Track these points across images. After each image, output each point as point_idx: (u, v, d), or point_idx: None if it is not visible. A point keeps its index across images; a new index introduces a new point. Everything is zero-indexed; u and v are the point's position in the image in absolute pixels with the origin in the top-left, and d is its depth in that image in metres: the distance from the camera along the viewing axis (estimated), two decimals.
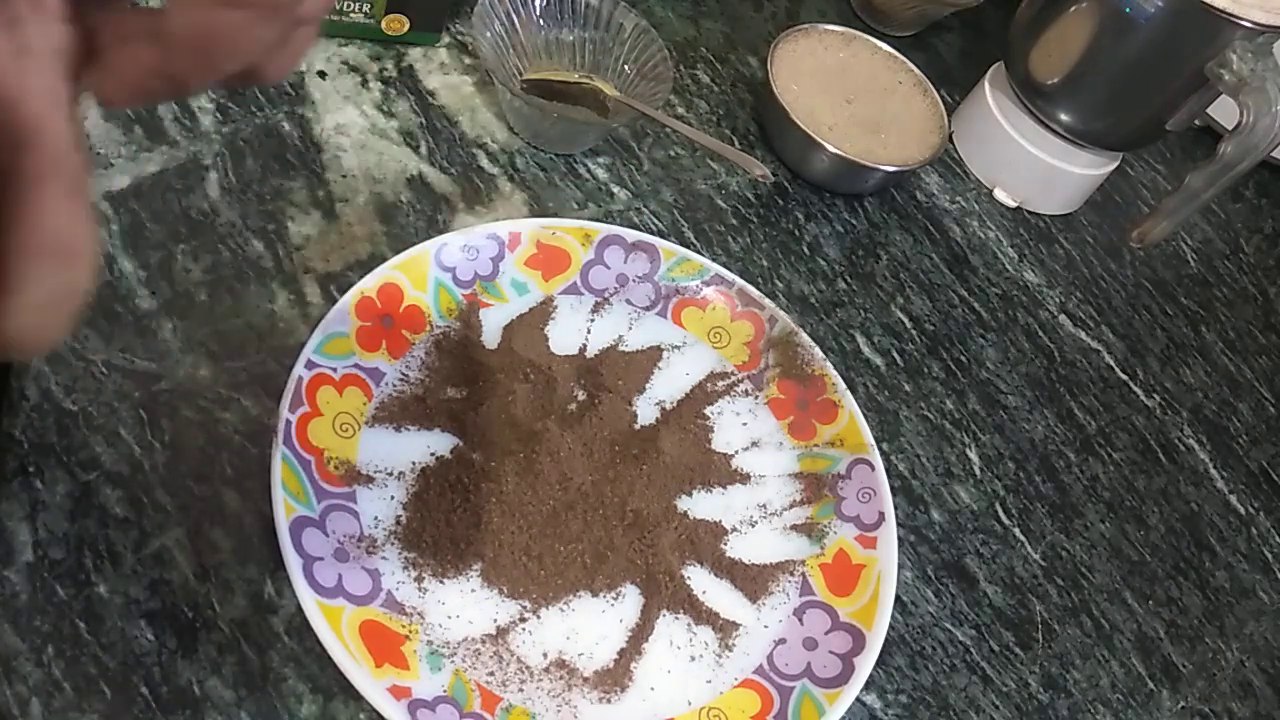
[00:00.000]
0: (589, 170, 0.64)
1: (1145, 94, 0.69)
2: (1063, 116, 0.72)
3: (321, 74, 0.60)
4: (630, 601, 0.48)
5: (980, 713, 0.52)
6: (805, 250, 0.67)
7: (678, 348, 0.57)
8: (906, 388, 0.63)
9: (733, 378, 0.57)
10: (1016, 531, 0.60)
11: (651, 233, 0.60)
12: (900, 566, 0.54)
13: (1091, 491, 0.64)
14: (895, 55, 0.75)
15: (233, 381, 0.48)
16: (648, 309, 0.58)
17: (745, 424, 0.56)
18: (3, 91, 0.21)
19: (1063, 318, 0.72)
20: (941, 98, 0.74)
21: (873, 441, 0.54)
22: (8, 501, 0.42)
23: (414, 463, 0.48)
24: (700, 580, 0.50)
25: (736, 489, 0.53)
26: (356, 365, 0.49)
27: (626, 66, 0.65)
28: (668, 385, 0.56)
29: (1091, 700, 0.55)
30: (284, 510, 0.43)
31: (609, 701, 0.45)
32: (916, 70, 0.74)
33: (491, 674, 0.44)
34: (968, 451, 0.62)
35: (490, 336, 0.54)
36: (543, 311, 0.55)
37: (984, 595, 0.57)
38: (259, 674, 0.42)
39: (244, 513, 0.45)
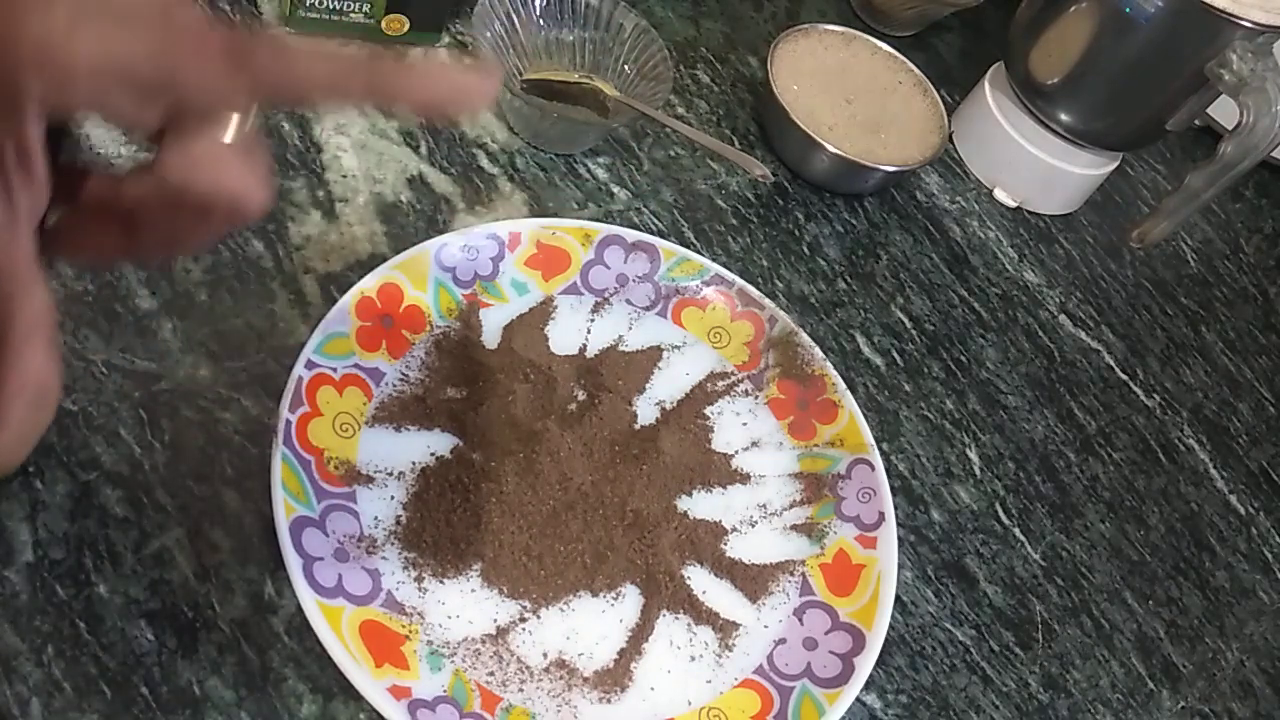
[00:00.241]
0: (589, 170, 0.64)
1: (1145, 94, 0.69)
2: (1063, 116, 0.72)
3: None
4: (630, 601, 0.48)
5: (980, 713, 0.52)
6: (805, 250, 0.67)
7: (678, 348, 0.57)
8: (906, 388, 0.63)
9: (733, 378, 0.57)
10: (1016, 531, 0.60)
11: (651, 233, 0.60)
12: (900, 566, 0.54)
13: (1091, 491, 0.64)
14: (895, 55, 0.75)
15: (233, 381, 0.48)
16: (648, 309, 0.58)
17: (745, 424, 0.56)
18: None
19: (1063, 318, 0.72)
20: (941, 98, 0.74)
21: (873, 441, 0.54)
22: (8, 501, 0.42)
23: (414, 463, 0.48)
24: (700, 580, 0.50)
25: (736, 489, 0.53)
26: (356, 365, 0.49)
27: (626, 66, 0.65)
28: (668, 385, 0.56)
29: (1091, 700, 0.55)
30: (284, 510, 0.43)
31: (609, 701, 0.45)
32: (916, 70, 0.74)
33: (491, 674, 0.44)
34: (968, 451, 0.62)
35: (490, 336, 0.54)
36: (543, 311, 0.55)
37: (984, 595, 0.57)
38: (259, 674, 0.42)
39: (244, 513, 0.45)
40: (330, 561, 0.43)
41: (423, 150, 0.60)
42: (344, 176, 0.57)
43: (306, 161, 0.57)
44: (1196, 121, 0.72)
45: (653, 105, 0.62)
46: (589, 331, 0.56)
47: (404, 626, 0.44)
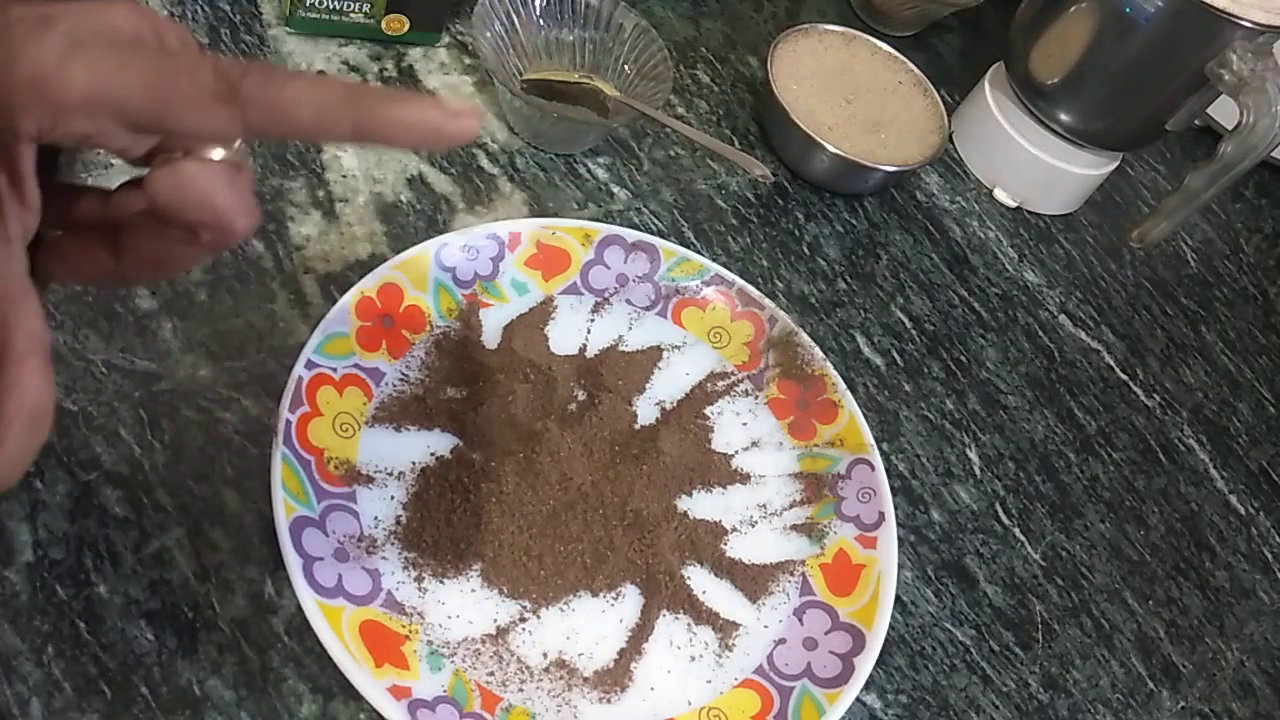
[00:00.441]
0: (589, 170, 0.64)
1: (1145, 94, 0.69)
2: (1063, 116, 0.72)
3: (321, 74, 0.60)
4: (630, 601, 0.48)
5: (980, 713, 0.52)
6: (805, 250, 0.67)
7: (678, 348, 0.57)
8: (906, 388, 0.63)
9: (733, 378, 0.57)
10: (1016, 531, 0.60)
11: (651, 233, 0.60)
12: (900, 566, 0.54)
13: (1091, 491, 0.64)
14: (895, 55, 0.75)
15: (233, 381, 0.48)
16: (648, 309, 0.58)
17: (745, 424, 0.56)
18: None
19: (1063, 318, 0.72)
20: (941, 98, 0.74)
21: (873, 441, 0.54)
22: (8, 501, 0.42)
23: (414, 463, 0.48)
24: (700, 580, 0.50)
25: (736, 489, 0.53)
26: (356, 365, 0.49)
27: (626, 66, 0.65)
28: (668, 385, 0.56)
29: (1091, 700, 0.55)
30: (284, 510, 0.43)
31: (609, 701, 0.45)
32: (916, 70, 0.74)
33: (491, 674, 0.44)
34: (968, 451, 0.62)
35: (490, 336, 0.54)
36: (543, 311, 0.55)
37: (984, 595, 0.57)
38: (259, 674, 0.42)
39: (244, 513, 0.45)
40: (330, 561, 0.43)
41: (423, 150, 0.60)
42: (344, 176, 0.57)
43: (306, 161, 0.57)
44: (1196, 121, 0.72)
45: (653, 105, 0.62)
46: (589, 331, 0.56)
47: (404, 626, 0.44)
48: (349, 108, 0.27)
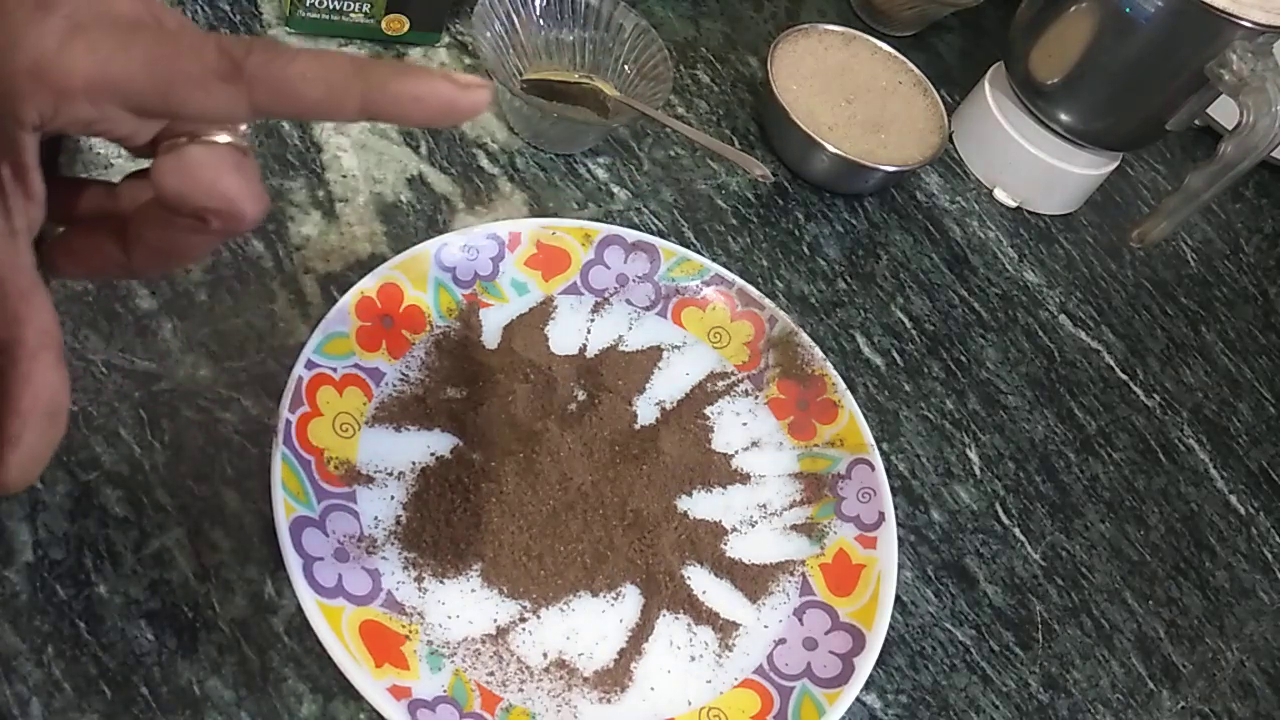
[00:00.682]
0: (589, 170, 0.64)
1: (1145, 94, 0.69)
2: (1063, 116, 0.72)
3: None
4: (630, 601, 0.48)
5: (980, 713, 0.52)
6: (805, 250, 0.67)
7: (678, 348, 0.57)
8: (906, 388, 0.63)
9: (733, 378, 0.57)
10: (1016, 531, 0.60)
11: (651, 233, 0.60)
12: (900, 566, 0.54)
13: (1091, 491, 0.64)
14: (895, 55, 0.75)
15: (233, 381, 0.48)
16: (648, 309, 0.58)
17: (745, 424, 0.56)
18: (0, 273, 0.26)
19: (1063, 318, 0.72)
20: (941, 98, 0.74)
21: (873, 441, 0.54)
22: (8, 501, 0.42)
23: (414, 463, 0.48)
24: (700, 580, 0.50)
25: (736, 489, 0.53)
26: (356, 365, 0.49)
27: (626, 66, 0.65)
28: (668, 385, 0.56)
29: (1091, 700, 0.55)
30: (284, 510, 0.43)
31: (609, 701, 0.45)
32: (916, 70, 0.74)
33: (491, 674, 0.44)
34: (968, 451, 0.62)
35: (490, 336, 0.54)
36: (543, 311, 0.55)
37: (984, 595, 0.57)
38: (259, 674, 0.42)
39: (244, 513, 0.45)
40: (330, 561, 0.43)
41: (423, 150, 0.60)
42: (344, 176, 0.57)
43: (306, 161, 0.57)
44: (1196, 121, 0.72)
45: (653, 105, 0.62)
46: (589, 331, 0.56)
47: (404, 626, 0.44)
48: (357, 83, 0.26)
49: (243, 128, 0.28)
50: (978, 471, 0.61)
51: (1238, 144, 0.63)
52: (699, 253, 0.61)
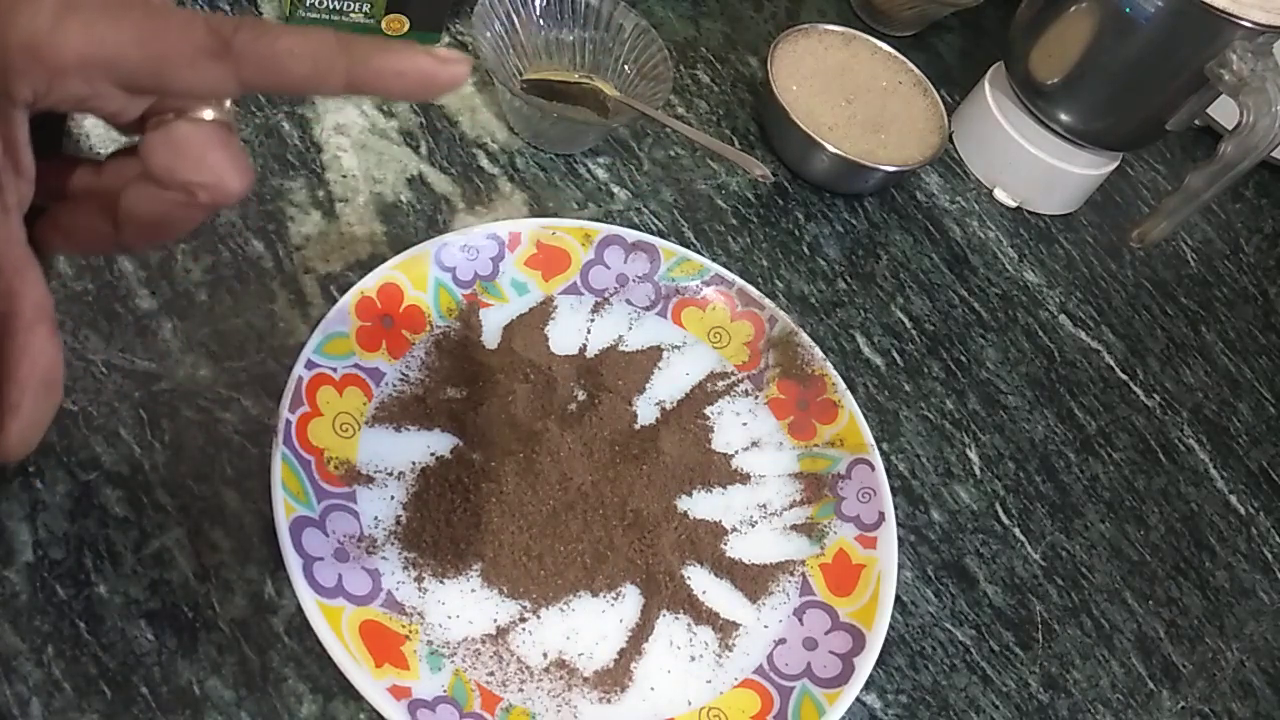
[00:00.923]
0: (589, 170, 0.64)
1: (1145, 94, 0.69)
2: (1063, 116, 0.72)
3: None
4: (630, 601, 0.48)
5: (980, 713, 0.52)
6: (805, 250, 0.67)
7: (678, 348, 0.57)
8: (906, 388, 0.63)
9: (733, 378, 0.57)
10: (1016, 531, 0.60)
11: (651, 233, 0.60)
12: (900, 566, 0.54)
13: (1091, 491, 0.64)
14: (895, 55, 0.75)
15: (233, 381, 0.48)
16: (648, 309, 0.58)
17: (745, 424, 0.56)
18: None
19: (1063, 318, 0.72)
20: (941, 98, 0.74)
21: (873, 441, 0.54)
22: (8, 501, 0.42)
23: (414, 463, 0.48)
24: (700, 580, 0.50)
25: (736, 489, 0.53)
26: (356, 365, 0.49)
27: (626, 66, 0.65)
28: (668, 385, 0.56)
29: (1091, 700, 0.55)
30: (284, 510, 0.43)
31: (609, 701, 0.45)
32: (916, 70, 0.74)
33: (491, 674, 0.44)
34: (968, 451, 0.62)
35: (490, 336, 0.54)
36: (543, 311, 0.55)
37: (984, 595, 0.57)
38: (259, 674, 0.42)
39: (244, 513, 0.45)
40: (330, 561, 0.43)
41: (423, 150, 0.60)
42: (344, 176, 0.57)
43: (306, 161, 0.57)
44: (1196, 121, 0.72)
45: (653, 105, 0.62)
46: (589, 331, 0.56)
47: (404, 626, 0.44)
48: (342, 58, 0.27)
49: (227, 104, 0.28)
50: (978, 471, 0.61)
51: (1238, 144, 0.63)
52: (699, 253, 0.61)
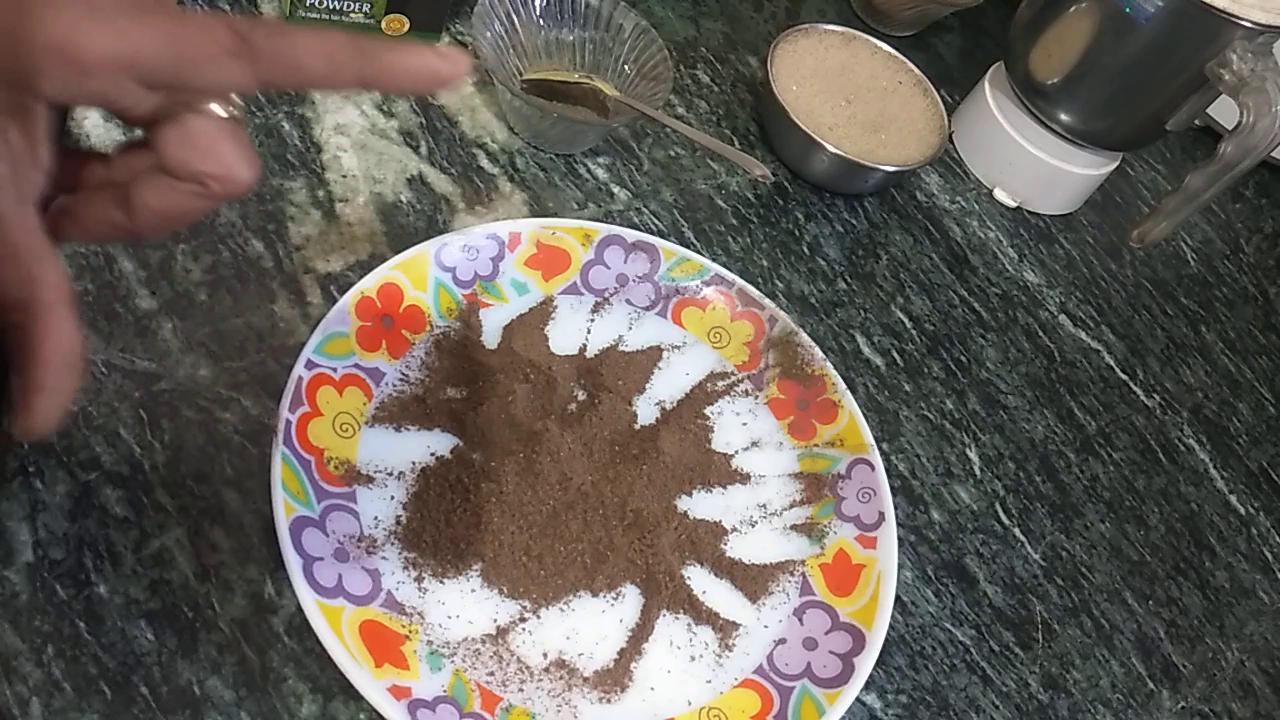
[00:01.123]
0: (589, 170, 0.64)
1: (1145, 94, 0.69)
2: (1063, 116, 0.72)
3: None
4: (630, 601, 0.48)
5: (980, 713, 0.52)
6: (805, 250, 0.67)
7: (678, 348, 0.57)
8: (906, 388, 0.63)
9: (733, 378, 0.57)
10: (1016, 531, 0.60)
11: (651, 233, 0.60)
12: (900, 566, 0.54)
13: (1091, 491, 0.64)
14: (895, 55, 0.75)
15: (233, 381, 0.48)
16: (648, 309, 0.58)
17: (745, 424, 0.56)
18: (13, 235, 0.28)
19: (1063, 318, 0.72)
20: (941, 98, 0.74)
21: (873, 441, 0.54)
22: (8, 501, 0.42)
23: (414, 463, 0.48)
24: (700, 580, 0.50)
25: (736, 489, 0.53)
26: (356, 365, 0.49)
27: (626, 66, 0.65)
28: (668, 385, 0.56)
29: (1091, 700, 0.55)
30: (284, 510, 0.43)
31: (609, 701, 0.45)
32: (916, 70, 0.74)
33: (491, 674, 0.44)
34: (968, 451, 0.62)
35: (490, 336, 0.54)
36: (543, 311, 0.55)
37: (984, 595, 0.57)
38: (259, 674, 0.42)
39: (244, 513, 0.45)
40: (330, 561, 0.43)
41: (423, 150, 0.60)
42: (344, 176, 0.57)
43: (306, 161, 0.57)
44: (1196, 121, 0.72)
45: (653, 105, 0.62)
46: (589, 331, 0.56)
47: (404, 626, 0.44)
48: (355, 57, 0.29)
49: (235, 99, 0.30)
50: (978, 471, 0.61)
51: (1238, 144, 0.63)
52: (699, 253, 0.61)
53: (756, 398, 0.57)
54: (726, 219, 0.66)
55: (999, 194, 0.76)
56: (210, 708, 0.41)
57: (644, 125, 0.67)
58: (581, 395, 0.53)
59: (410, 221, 0.57)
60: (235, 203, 0.54)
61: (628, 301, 0.58)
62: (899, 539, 0.52)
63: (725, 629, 0.48)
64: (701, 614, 0.49)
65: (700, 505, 0.52)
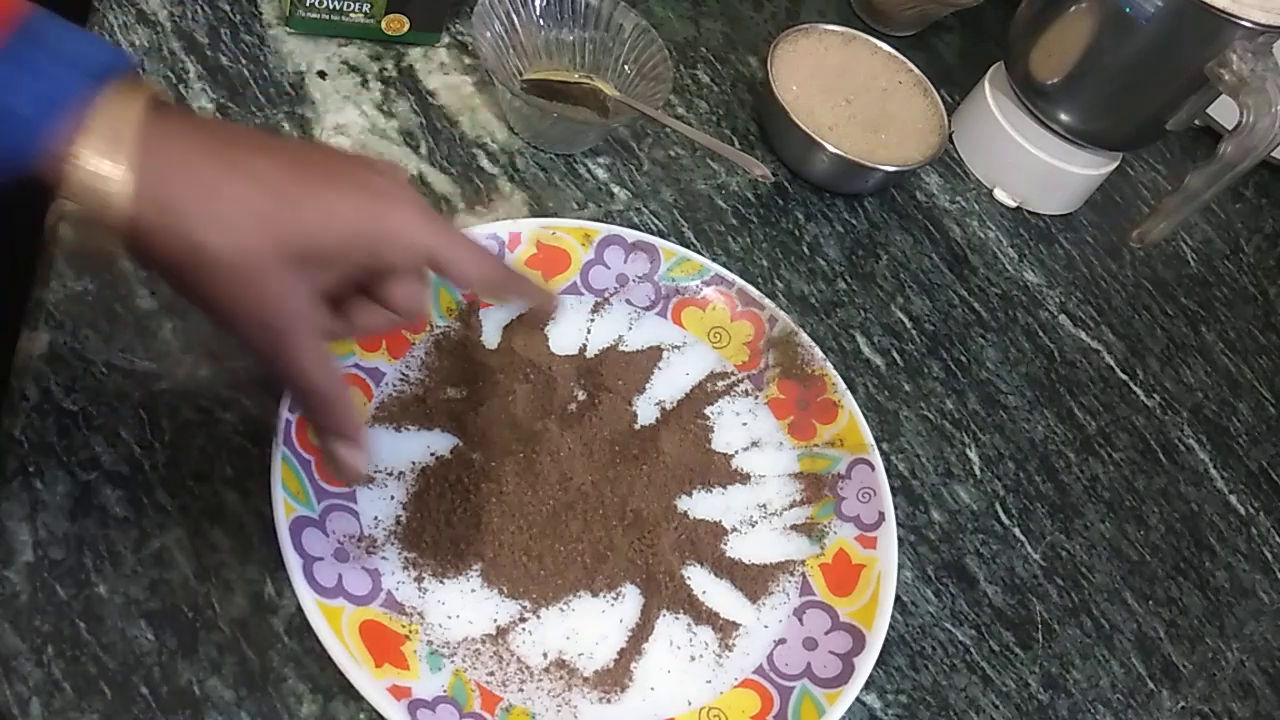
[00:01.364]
0: (589, 170, 0.64)
1: (1145, 94, 0.69)
2: (1063, 116, 0.72)
3: (321, 74, 0.60)
4: (630, 601, 0.48)
5: (980, 713, 0.52)
6: (805, 250, 0.67)
7: (678, 348, 0.57)
8: (906, 388, 0.63)
9: (733, 378, 0.57)
10: (1016, 531, 0.60)
11: (651, 233, 0.60)
12: (900, 566, 0.54)
13: (1091, 491, 0.64)
14: (895, 55, 0.75)
15: (233, 381, 0.48)
16: (648, 309, 0.58)
17: (745, 424, 0.56)
18: (320, 386, 0.38)
19: (1063, 318, 0.72)
20: (941, 98, 0.74)
21: (873, 441, 0.54)
22: (8, 501, 0.42)
23: (414, 463, 0.48)
24: (700, 580, 0.50)
25: (736, 489, 0.53)
26: (356, 365, 0.49)
27: (626, 66, 0.65)
28: (668, 385, 0.56)
29: (1091, 700, 0.55)
30: (284, 510, 0.43)
31: (609, 701, 0.45)
32: (916, 70, 0.74)
33: (491, 674, 0.44)
34: (968, 451, 0.62)
35: (490, 336, 0.54)
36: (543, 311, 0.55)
37: (984, 595, 0.57)
38: (259, 674, 0.42)
39: (244, 513, 0.45)
40: (330, 561, 0.43)
41: (423, 150, 0.60)
42: None
43: None
44: (1196, 121, 0.72)
45: (653, 105, 0.62)
46: (589, 331, 0.56)
47: (404, 626, 0.44)
48: (504, 282, 0.42)
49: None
50: (978, 471, 0.61)
51: (1238, 144, 0.63)
52: (699, 253, 0.61)
53: (756, 398, 0.57)
54: (726, 219, 0.66)
55: (999, 194, 0.76)
56: (210, 708, 0.41)
57: (644, 125, 0.67)
58: (581, 395, 0.53)
59: None
60: None
61: (628, 301, 0.58)
62: (899, 539, 0.52)
63: (725, 629, 0.48)
64: (701, 614, 0.49)
65: (700, 505, 0.52)
